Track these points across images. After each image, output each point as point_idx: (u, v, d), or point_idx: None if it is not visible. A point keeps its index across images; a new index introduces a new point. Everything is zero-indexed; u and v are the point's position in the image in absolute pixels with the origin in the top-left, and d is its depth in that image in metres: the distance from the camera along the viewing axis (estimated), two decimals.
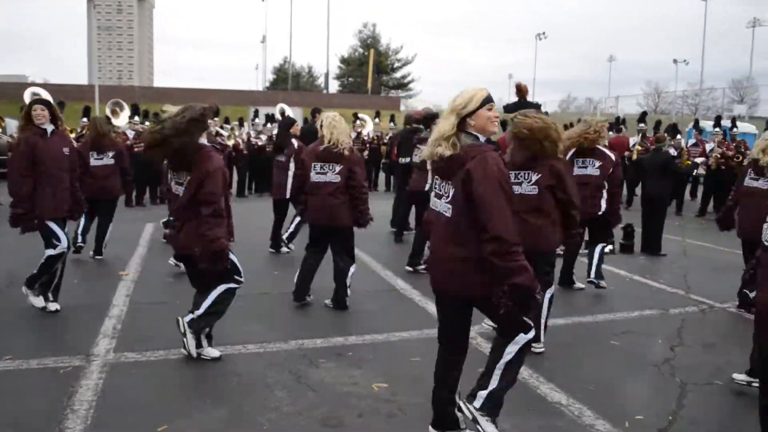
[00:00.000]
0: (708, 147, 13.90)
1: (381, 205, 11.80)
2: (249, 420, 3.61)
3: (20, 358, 4.39)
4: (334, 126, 5.59)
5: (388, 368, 4.39)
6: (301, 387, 4.03)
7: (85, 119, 14.07)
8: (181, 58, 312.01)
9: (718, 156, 13.19)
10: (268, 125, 16.52)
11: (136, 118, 14.79)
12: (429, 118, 8.45)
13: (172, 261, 6.93)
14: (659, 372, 4.51)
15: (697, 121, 18.19)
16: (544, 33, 61.28)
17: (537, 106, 10.40)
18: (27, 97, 12.08)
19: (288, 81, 66.67)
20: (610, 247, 8.19)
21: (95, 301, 5.82)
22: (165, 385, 4.09)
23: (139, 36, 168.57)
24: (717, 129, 14.44)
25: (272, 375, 4.24)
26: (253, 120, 18.98)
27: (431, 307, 5.88)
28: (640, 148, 13.73)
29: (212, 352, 4.50)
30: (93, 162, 7.72)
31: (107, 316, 5.39)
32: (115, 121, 15.33)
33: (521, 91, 9.48)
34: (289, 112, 19.76)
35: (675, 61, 58.48)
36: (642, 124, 15.20)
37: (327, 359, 4.53)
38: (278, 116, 17.69)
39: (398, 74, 69.71)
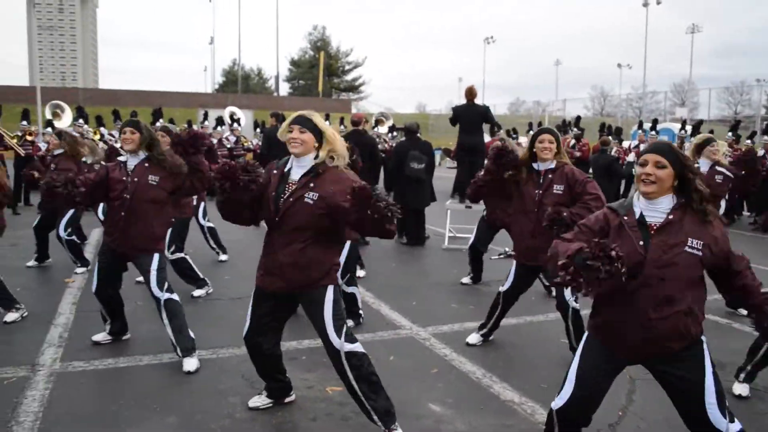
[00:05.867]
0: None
1: None
2: (201, 427, 3.56)
3: None
4: None
5: None
6: (254, 393, 3.96)
7: (24, 122, 13.62)
8: (128, 59, 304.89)
9: None
10: (218, 128, 16.33)
11: (80, 120, 14.42)
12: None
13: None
14: None
15: (641, 123, 18.87)
16: (492, 37, 61.80)
17: (486, 109, 10.65)
18: None
19: (238, 83, 65.97)
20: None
21: (40, 310, 5.64)
22: (113, 394, 3.99)
23: (82, 36, 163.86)
24: (653, 132, 14.96)
25: (225, 381, 4.19)
26: (202, 123, 18.70)
27: (384, 310, 5.92)
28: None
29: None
30: None
31: (53, 325, 5.25)
32: (57, 124, 14.95)
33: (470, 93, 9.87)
34: (240, 114, 19.61)
35: (619, 65, 60.04)
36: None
37: None
38: (227, 119, 17.50)
39: (349, 77, 69.90)
